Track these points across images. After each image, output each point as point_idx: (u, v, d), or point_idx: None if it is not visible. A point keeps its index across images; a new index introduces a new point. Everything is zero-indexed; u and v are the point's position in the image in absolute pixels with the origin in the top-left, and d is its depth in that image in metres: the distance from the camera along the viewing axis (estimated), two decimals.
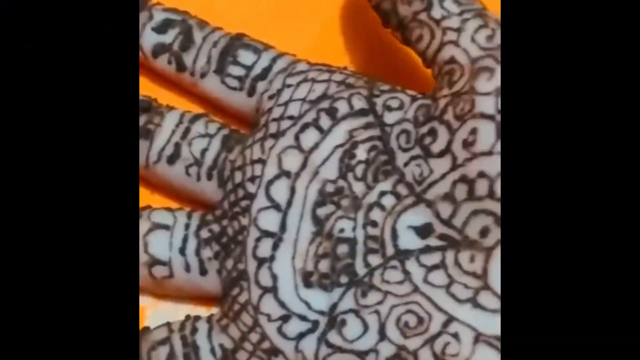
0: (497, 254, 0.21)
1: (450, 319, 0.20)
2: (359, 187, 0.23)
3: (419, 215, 0.22)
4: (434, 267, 0.21)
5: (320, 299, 0.22)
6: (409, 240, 0.22)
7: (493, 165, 0.21)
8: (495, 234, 0.21)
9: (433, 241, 0.21)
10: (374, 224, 0.22)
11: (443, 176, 0.22)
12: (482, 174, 0.21)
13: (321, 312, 0.22)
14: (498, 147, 0.21)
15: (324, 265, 0.22)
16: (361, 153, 0.23)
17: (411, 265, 0.21)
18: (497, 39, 0.22)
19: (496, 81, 0.21)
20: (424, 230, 0.22)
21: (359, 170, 0.23)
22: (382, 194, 0.22)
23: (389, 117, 0.23)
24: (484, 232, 0.21)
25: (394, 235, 0.22)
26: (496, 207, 0.21)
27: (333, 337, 0.21)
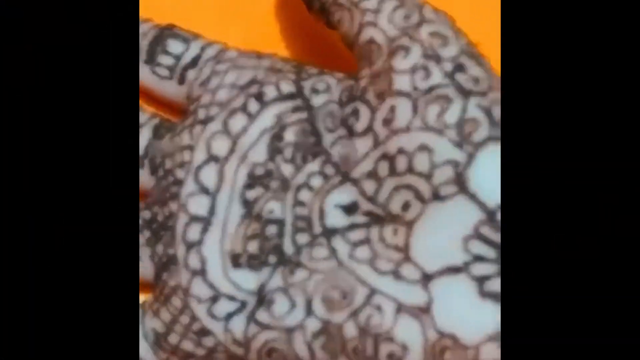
0: (418, 228, 0.22)
1: (374, 292, 0.22)
2: (287, 169, 0.24)
3: (346, 194, 0.23)
4: (359, 243, 0.22)
5: (249, 279, 0.23)
6: (336, 219, 0.23)
7: (410, 140, 0.22)
8: (416, 208, 0.22)
9: (359, 218, 0.23)
10: (303, 204, 0.23)
11: (367, 154, 0.23)
12: (401, 150, 0.22)
13: (250, 292, 0.23)
14: (415, 123, 0.22)
15: (253, 246, 0.23)
16: (289, 136, 0.24)
17: (337, 242, 0.23)
18: (414, 19, 0.23)
19: (412, 59, 0.23)
20: (350, 208, 0.23)
21: (288, 152, 0.24)
22: (311, 174, 0.24)
23: (316, 100, 0.24)
24: (406, 206, 0.22)
25: (322, 214, 0.23)
26: (415, 181, 0.22)
27: (261, 315, 0.22)
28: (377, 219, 0.22)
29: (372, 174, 0.23)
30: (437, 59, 0.22)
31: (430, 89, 0.22)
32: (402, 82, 0.22)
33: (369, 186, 0.23)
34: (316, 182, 0.23)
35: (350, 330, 0.21)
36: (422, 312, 0.21)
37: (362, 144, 0.23)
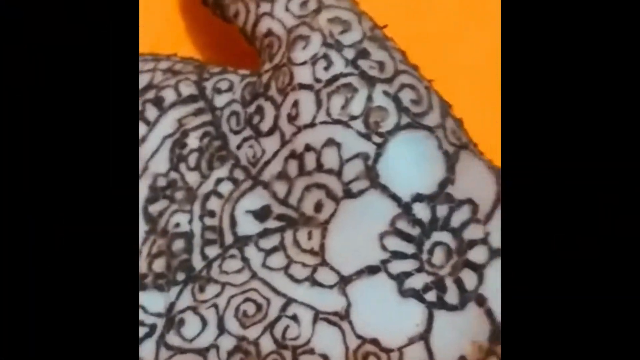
0: (332, 228, 0.22)
1: (289, 301, 0.21)
2: (193, 177, 0.24)
3: (257, 199, 0.23)
4: (273, 250, 0.22)
5: (156, 301, 0.23)
6: (248, 226, 0.23)
7: (317, 136, 0.22)
8: (329, 208, 0.22)
9: (271, 223, 0.23)
10: (212, 213, 0.23)
11: (275, 154, 0.23)
12: (308, 147, 0.22)
13: (158, 314, 0.22)
14: (320, 117, 0.22)
15: (159, 265, 0.23)
16: (193, 141, 0.24)
17: (250, 251, 0.22)
18: (312, 5, 0.23)
19: (311, 49, 0.22)
20: (262, 214, 0.23)
21: (192, 159, 0.24)
22: (219, 181, 0.23)
23: (219, 100, 0.24)
24: (318, 206, 0.22)
25: (233, 222, 0.23)
26: (326, 179, 0.22)
27: (172, 339, 0.22)
28: (290, 223, 0.22)
29: (282, 175, 0.22)
30: (339, 47, 0.22)
31: (333, 79, 0.22)
32: (303, 75, 0.22)
33: (280, 188, 0.22)
34: (225, 188, 0.23)
35: (267, 345, 0.21)
36: (341, 318, 0.21)
37: (269, 144, 0.23)
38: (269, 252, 0.22)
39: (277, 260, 0.22)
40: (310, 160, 0.22)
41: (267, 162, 0.23)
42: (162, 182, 0.24)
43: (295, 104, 0.22)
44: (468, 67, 0.25)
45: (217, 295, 0.22)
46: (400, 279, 0.21)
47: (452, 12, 0.26)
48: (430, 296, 0.21)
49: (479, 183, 0.22)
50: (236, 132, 0.23)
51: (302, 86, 0.22)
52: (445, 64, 0.27)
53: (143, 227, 0.23)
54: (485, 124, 0.26)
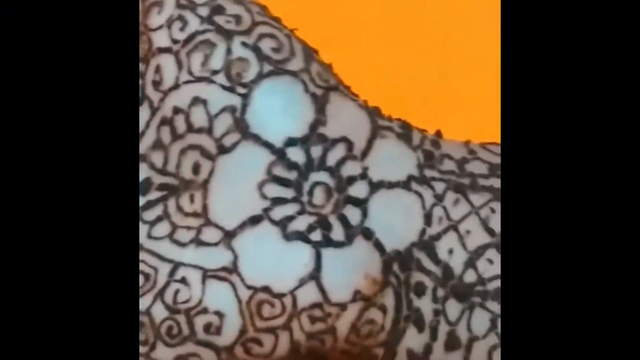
0: (212, 187, 0.22)
1: (176, 266, 0.22)
2: None
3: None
4: (157, 220, 0.22)
5: None
6: None
7: (182, 97, 0.22)
8: (206, 167, 0.22)
9: (153, 194, 0.23)
10: None
11: (147, 125, 0.23)
12: (176, 110, 0.22)
13: None
14: (183, 78, 0.22)
15: None
16: None
17: None
18: None
19: (166, 12, 0.23)
20: (143, 187, 0.23)
21: None
22: None
23: None
24: (196, 168, 0.22)
25: None
26: (198, 139, 0.22)
27: None
28: (172, 190, 0.23)
29: (157, 144, 0.23)
30: (192, 6, 0.23)
31: (190, 38, 0.22)
32: (160, 38, 0.23)
33: (157, 158, 0.23)
34: None
35: (159, 312, 0.21)
36: (229, 272, 0.21)
37: (141, 115, 0.23)
38: (153, 223, 0.22)
39: (162, 228, 0.22)
40: (180, 123, 0.22)
41: (142, 134, 0.23)
42: None
43: (158, 69, 0.23)
44: (468, 67, 0.26)
45: None
46: (283, 223, 0.21)
47: (453, 11, 0.27)
48: (316, 236, 0.21)
49: (351, 121, 0.23)
50: None
51: (161, 50, 0.23)
52: (445, 64, 0.28)
53: None
54: (485, 122, 0.27)
